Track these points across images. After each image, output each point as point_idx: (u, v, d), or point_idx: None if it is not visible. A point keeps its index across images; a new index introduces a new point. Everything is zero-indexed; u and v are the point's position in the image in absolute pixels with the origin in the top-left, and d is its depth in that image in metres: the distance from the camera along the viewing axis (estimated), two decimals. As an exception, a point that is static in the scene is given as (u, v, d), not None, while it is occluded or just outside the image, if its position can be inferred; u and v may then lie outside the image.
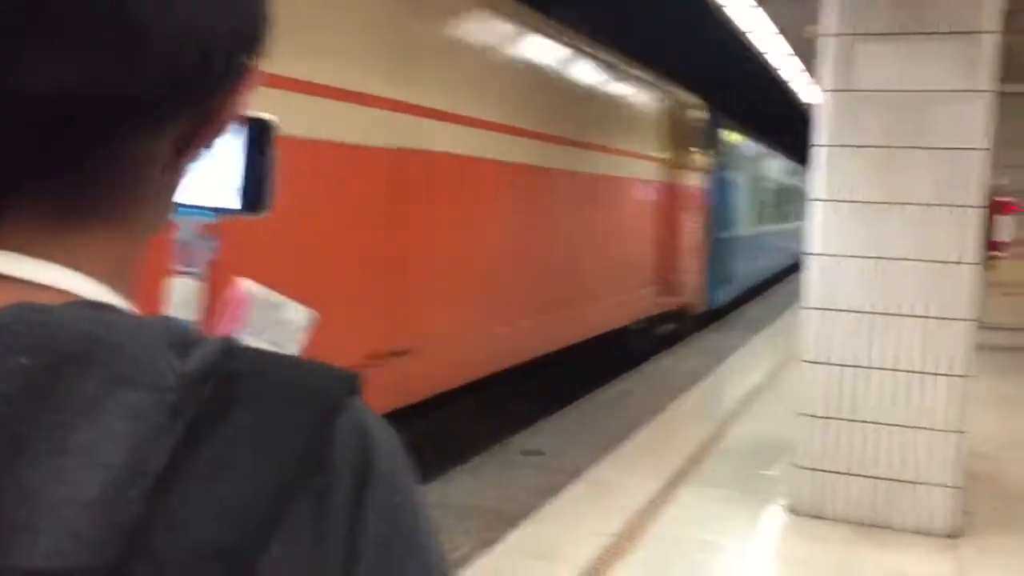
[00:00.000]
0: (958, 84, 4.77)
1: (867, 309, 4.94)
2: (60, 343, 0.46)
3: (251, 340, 0.70)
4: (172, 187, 0.58)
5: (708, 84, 14.74)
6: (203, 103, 0.55)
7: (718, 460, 6.11)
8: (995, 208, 5.39)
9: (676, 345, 10.59)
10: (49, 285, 0.51)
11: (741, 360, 9.95)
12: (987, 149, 4.76)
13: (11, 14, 0.47)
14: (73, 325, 0.47)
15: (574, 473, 5.63)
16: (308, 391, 0.51)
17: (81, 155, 0.51)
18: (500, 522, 4.78)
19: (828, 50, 5.02)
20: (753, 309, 15.29)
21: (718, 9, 7.52)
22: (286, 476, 0.48)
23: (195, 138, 0.57)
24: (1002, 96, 4.95)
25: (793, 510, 5.15)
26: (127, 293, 0.55)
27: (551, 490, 5.29)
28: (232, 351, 0.50)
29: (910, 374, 4.88)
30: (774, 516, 5.14)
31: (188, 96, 0.54)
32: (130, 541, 0.44)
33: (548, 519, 4.90)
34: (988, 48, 4.73)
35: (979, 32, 4.74)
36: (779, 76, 11.49)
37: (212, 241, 0.94)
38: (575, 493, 5.31)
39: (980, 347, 5.05)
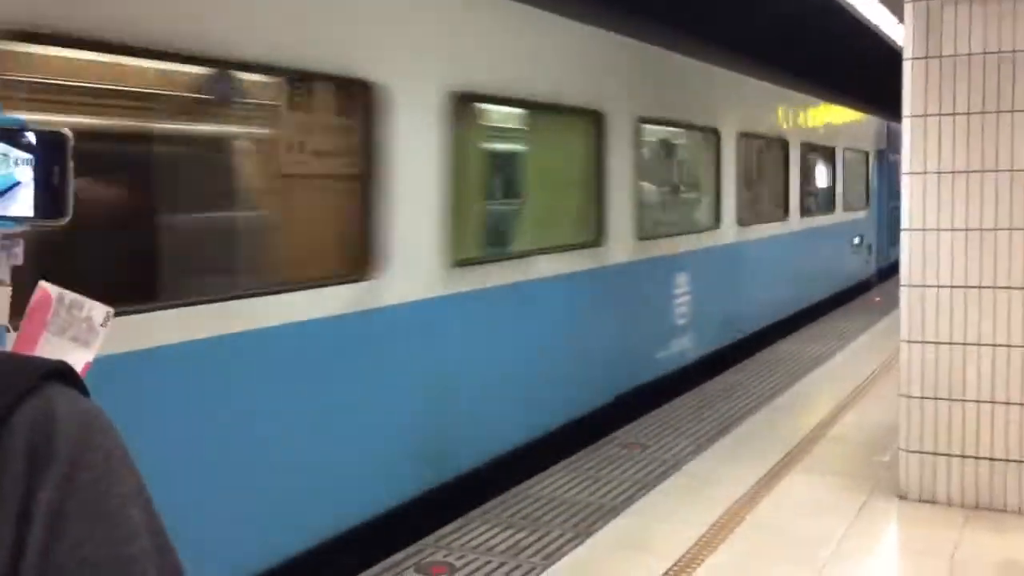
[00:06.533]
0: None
1: (964, 283, 4.73)
2: None
3: (55, 338, 0.81)
4: None
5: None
6: None
7: (828, 447, 5.95)
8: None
9: (800, 329, 10.31)
10: None
11: (865, 343, 9.60)
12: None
13: None
14: None
15: (675, 465, 5.61)
16: None
17: None
18: (597, 515, 4.82)
19: (912, 16, 4.84)
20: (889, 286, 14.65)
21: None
22: None
23: None
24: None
25: (902, 496, 4.98)
26: None
27: (650, 483, 5.29)
28: None
29: (1013, 348, 4.64)
30: (881, 502, 4.98)
31: None
32: None
33: (644, 511, 4.90)
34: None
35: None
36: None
37: (16, 247, 1.00)
38: (674, 484, 5.29)
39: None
